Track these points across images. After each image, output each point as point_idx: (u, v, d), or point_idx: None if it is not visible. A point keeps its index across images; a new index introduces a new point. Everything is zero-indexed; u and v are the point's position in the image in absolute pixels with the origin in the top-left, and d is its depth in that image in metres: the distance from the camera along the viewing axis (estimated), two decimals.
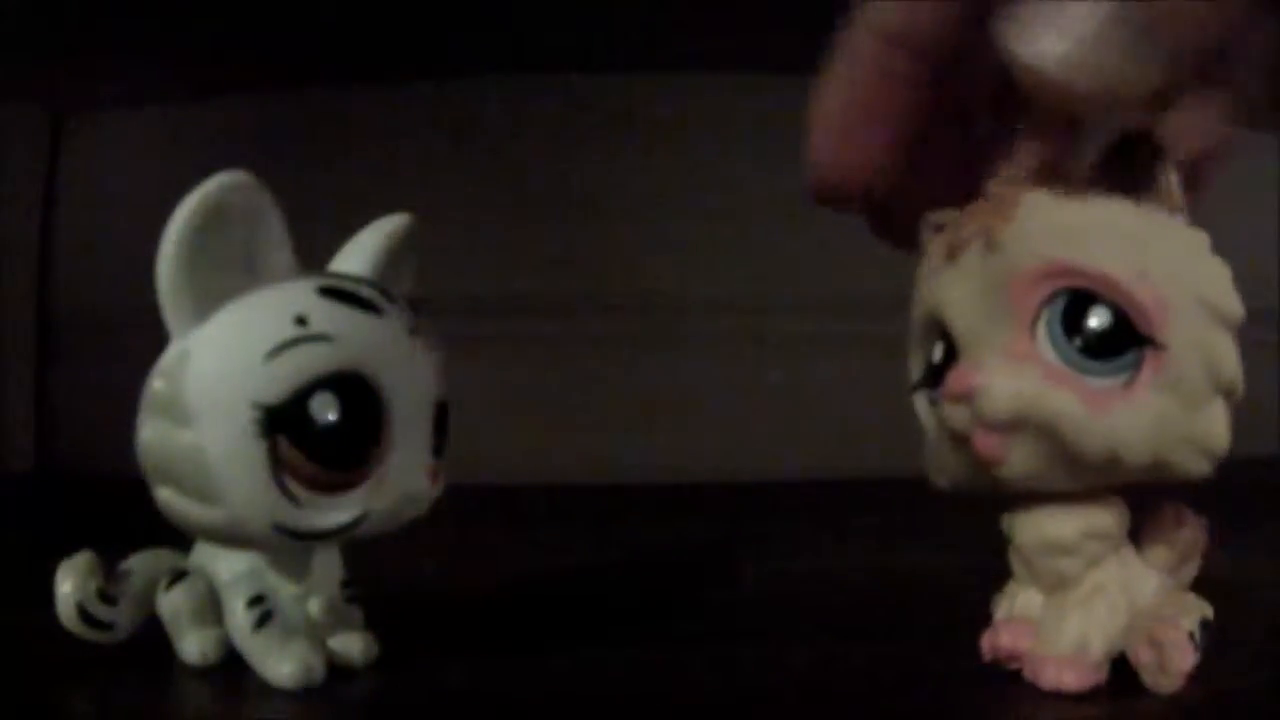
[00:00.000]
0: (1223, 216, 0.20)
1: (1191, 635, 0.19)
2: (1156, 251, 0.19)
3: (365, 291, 0.19)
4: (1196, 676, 0.19)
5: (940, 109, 0.21)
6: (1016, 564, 0.20)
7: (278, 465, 0.18)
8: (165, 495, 0.18)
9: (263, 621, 0.19)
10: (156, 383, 0.18)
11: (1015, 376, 0.18)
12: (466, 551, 0.34)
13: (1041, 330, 0.19)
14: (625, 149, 0.54)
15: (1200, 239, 0.19)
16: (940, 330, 0.20)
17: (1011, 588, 0.20)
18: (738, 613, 0.26)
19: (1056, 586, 0.20)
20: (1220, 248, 0.19)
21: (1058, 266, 0.18)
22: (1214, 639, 0.19)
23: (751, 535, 0.38)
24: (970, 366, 0.19)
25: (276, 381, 0.18)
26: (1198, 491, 0.19)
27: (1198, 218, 0.20)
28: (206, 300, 0.18)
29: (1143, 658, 0.19)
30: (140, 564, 0.21)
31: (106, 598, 0.20)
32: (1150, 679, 0.19)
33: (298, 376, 0.18)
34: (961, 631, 0.21)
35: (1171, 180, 0.19)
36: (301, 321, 0.18)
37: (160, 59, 0.47)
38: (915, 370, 0.21)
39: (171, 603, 0.20)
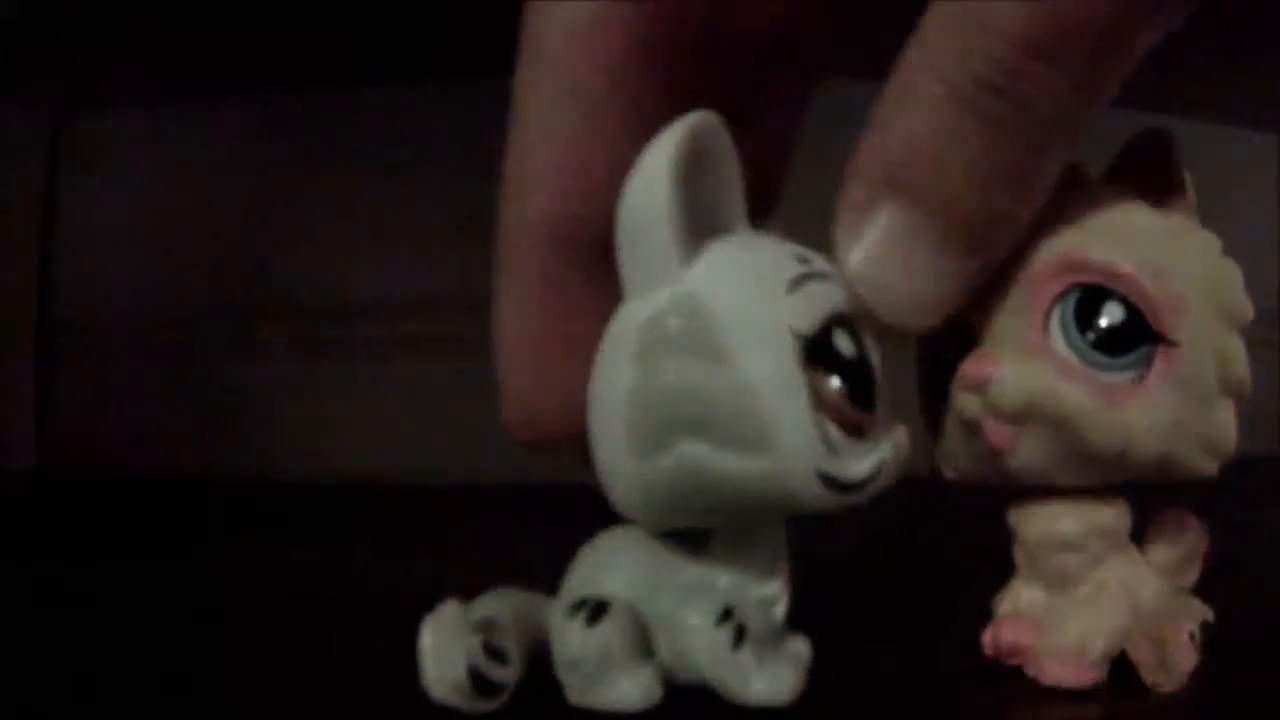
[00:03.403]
0: (1223, 216, 0.20)
1: (1192, 635, 0.19)
2: (1171, 250, 0.19)
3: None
4: (1196, 676, 0.19)
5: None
6: (1020, 559, 0.20)
7: (817, 401, 0.16)
8: (694, 450, 0.16)
9: (739, 637, 0.17)
10: (671, 321, 0.16)
11: (1029, 368, 0.18)
12: (467, 550, 0.34)
13: (1055, 324, 0.19)
14: None
15: (1213, 240, 0.19)
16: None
17: (1014, 584, 0.21)
18: None
19: (1060, 583, 0.20)
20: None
21: (1072, 261, 0.19)
22: (1214, 639, 0.19)
23: None
24: (984, 356, 0.19)
25: (805, 311, 0.16)
26: (1199, 491, 0.19)
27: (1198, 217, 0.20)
28: (687, 245, 0.17)
29: (1143, 657, 0.19)
30: (492, 608, 0.18)
31: (497, 654, 0.17)
32: (1150, 679, 0.19)
33: (821, 308, 0.16)
34: (962, 628, 0.21)
35: (1186, 180, 0.19)
36: (804, 260, 0.17)
37: (161, 59, 0.47)
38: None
39: (601, 641, 0.17)
